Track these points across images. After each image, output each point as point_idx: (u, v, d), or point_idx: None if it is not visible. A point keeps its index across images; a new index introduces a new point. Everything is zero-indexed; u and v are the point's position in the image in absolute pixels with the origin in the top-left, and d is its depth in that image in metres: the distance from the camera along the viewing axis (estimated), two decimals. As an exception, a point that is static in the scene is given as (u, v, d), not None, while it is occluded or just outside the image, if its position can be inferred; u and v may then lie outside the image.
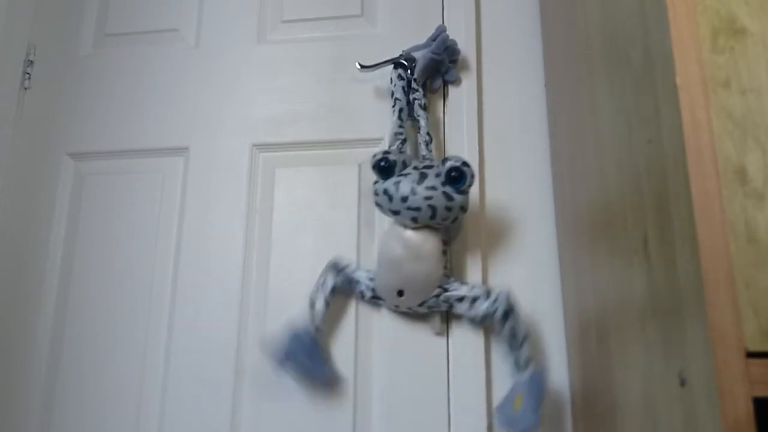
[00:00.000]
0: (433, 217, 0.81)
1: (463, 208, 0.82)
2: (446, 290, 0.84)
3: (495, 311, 0.81)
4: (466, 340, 0.88)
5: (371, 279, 0.88)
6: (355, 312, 0.92)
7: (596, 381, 0.73)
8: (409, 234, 0.83)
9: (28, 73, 1.12)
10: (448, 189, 0.81)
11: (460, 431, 0.85)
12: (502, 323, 0.81)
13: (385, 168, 0.83)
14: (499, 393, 0.87)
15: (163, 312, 0.97)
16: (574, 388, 0.84)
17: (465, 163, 0.80)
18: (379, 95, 1.02)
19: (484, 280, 0.91)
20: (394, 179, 0.82)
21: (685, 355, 0.46)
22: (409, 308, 0.87)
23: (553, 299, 0.90)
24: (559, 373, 0.87)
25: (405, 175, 0.82)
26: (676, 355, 0.48)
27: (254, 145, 1.03)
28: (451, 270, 0.89)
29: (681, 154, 0.46)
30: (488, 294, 0.83)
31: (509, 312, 0.81)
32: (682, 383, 0.47)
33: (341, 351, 0.91)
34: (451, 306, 0.85)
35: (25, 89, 1.11)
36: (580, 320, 0.80)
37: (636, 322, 0.58)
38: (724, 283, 0.43)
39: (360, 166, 0.99)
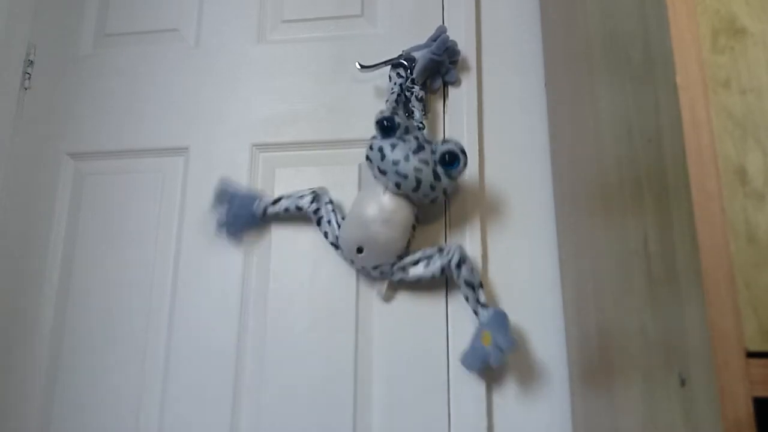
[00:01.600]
0: (416, 189, 0.83)
1: (446, 192, 0.85)
2: (401, 259, 0.87)
3: (449, 262, 0.85)
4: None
5: (339, 226, 0.91)
6: (355, 311, 0.92)
7: (597, 381, 0.73)
8: (387, 198, 0.85)
9: (28, 73, 1.12)
10: (440, 169, 0.82)
11: (460, 431, 0.85)
12: (458, 273, 0.85)
13: (387, 127, 0.84)
14: (500, 394, 0.87)
15: (163, 312, 0.97)
16: (574, 387, 0.84)
17: (462, 150, 0.82)
18: (379, 95, 1.02)
19: (485, 276, 0.91)
20: (392, 140, 0.84)
21: (686, 356, 0.46)
22: (363, 267, 0.89)
23: (552, 298, 0.90)
24: (558, 366, 0.87)
25: (404, 140, 0.84)
26: (677, 356, 0.48)
27: (254, 145, 1.03)
28: (412, 249, 0.90)
29: (681, 153, 0.46)
30: (441, 250, 0.86)
31: (462, 260, 0.85)
32: (682, 383, 0.47)
33: (341, 349, 0.91)
34: (405, 271, 0.87)
35: (25, 89, 1.11)
36: (580, 319, 0.80)
37: (636, 322, 0.58)
38: (724, 283, 0.43)
39: (360, 166, 0.99)
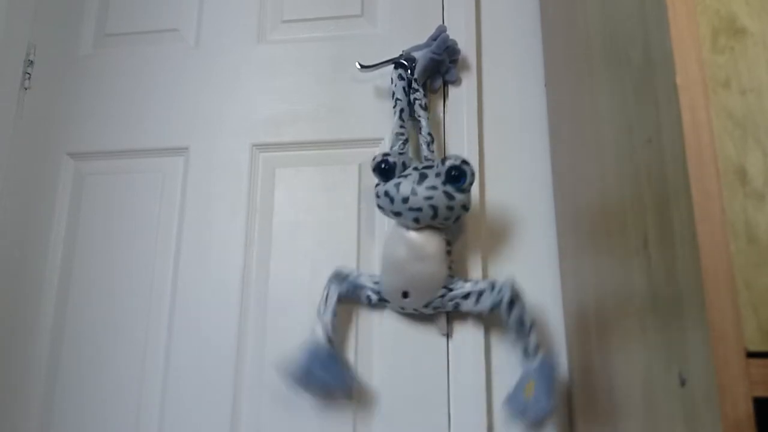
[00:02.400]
0: (434, 217, 0.81)
1: (465, 207, 0.82)
2: (451, 290, 0.84)
3: (501, 300, 0.82)
4: (466, 339, 0.88)
5: (376, 282, 0.88)
6: (356, 316, 0.92)
7: (596, 381, 0.73)
8: (412, 235, 0.83)
9: (28, 73, 1.12)
10: (449, 188, 0.81)
11: (460, 431, 0.85)
12: (509, 312, 0.82)
13: (385, 170, 0.83)
14: (500, 392, 0.87)
15: (163, 312, 0.97)
16: (575, 388, 0.84)
17: (465, 162, 0.80)
18: (379, 95, 1.02)
19: (485, 278, 0.91)
20: (394, 181, 0.83)
21: (685, 356, 0.46)
22: (415, 309, 0.87)
23: (553, 299, 0.90)
24: (559, 371, 0.87)
25: (405, 176, 0.83)
26: (676, 355, 0.48)
27: (254, 145, 1.03)
28: (454, 270, 0.89)
29: (681, 154, 0.46)
30: (492, 286, 0.83)
31: (515, 299, 0.82)
32: (682, 383, 0.47)
33: (341, 352, 0.91)
34: (457, 305, 0.85)
35: (25, 89, 1.11)
36: (580, 320, 0.80)
37: (636, 322, 0.58)
38: (724, 283, 0.43)
39: (360, 166, 0.99)
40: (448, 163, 0.80)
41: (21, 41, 1.12)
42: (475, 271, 0.91)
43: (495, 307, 0.83)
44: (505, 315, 0.82)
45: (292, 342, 0.92)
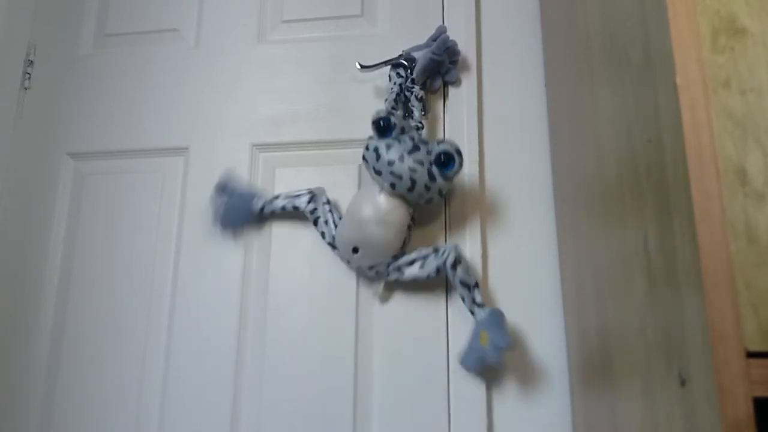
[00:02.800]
0: (411, 189, 0.83)
1: (441, 192, 0.84)
2: (396, 259, 0.87)
3: (445, 262, 0.84)
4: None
5: (336, 227, 0.91)
6: (355, 311, 0.92)
7: (597, 382, 0.73)
8: (382, 198, 0.85)
9: (28, 73, 1.12)
10: (435, 169, 0.82)
11: (460, 431, 0.85)
12: (453, 273, 0.84)
13: (382, 127, 0.85)
14: (500, 391, 0.87)
15: (163, 312, 0.97)
16: (574, 387, 0.84)
17: (458, 151, 0.82)
18: (379, 95, 1.02)
19: (485, 276, 0.91)
20: (388, 140, 0.84)
21: (686, 356, 0.46)
22: (359, 267, 0.89)
23: (553, 298, 0.90)
24: (559, 369, 0.87)
25: (399, 140, 0.84)
26: (677, 356, 0.48)
27: (254, 145, 1.03)
28: (409, 247, 0.90)
29: (681, 154, 0.46)
30: (436, 251, 0.86)
31: (457, 261, 0.85)
32: (682, 383, 0.47)
33: (341, 348, 0.91)
34: (401, 273, 0.87)
35: (25, 89, 1.11)
36: (581, 319, 0.80)
37: (636, 322, 0.58)
38: (724, 283, 0.43)
39: (360, 166, 0.99)
40: (441, 146, 0.82)
41: (21, 41, 1.12)
42: (474, 270, 0.91)
43: (440, 269, 0.85)
44: (450, 276, 0.85)
45: (292, 342, 0.92)
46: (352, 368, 0.90)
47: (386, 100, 0.95)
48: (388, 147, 0.83)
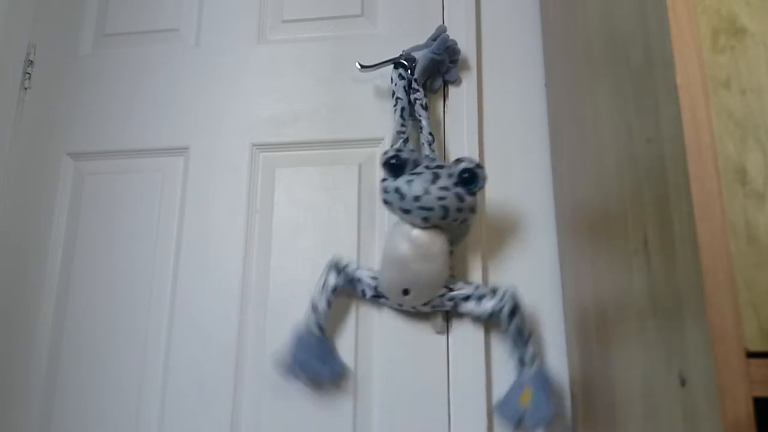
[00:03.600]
0: (444, 217, 0.81)
1: (473, 209, 0.83)
2: (451, 290, 0.84)
3: (502, 309, 0.82)
4: (466, 339, 0.88)
5: (373, 278, 0.88)
6: (355, 311, 0.92)
7: (597, 381, 0.73)
8: (417, 233, 0.83)
9: (28, 73, 1.12)
10: (460, 190, 0.81)
11: (460, 431, 0.85)
12: (509, 321, 0.82)
13: (395, 165, 0.83)
14: (500, 392, 0.87)
15: (163, 312, 0.97)
16: (575, 388, 0.84)
17: (479, 165, 0.81)
18: (379, 95, 1.02)
19: (485, 279, 0.91)
20: (406, 177, 0.82)
21: (686, 355, 0.46)
22: (414, 307, 0.87)
23: (553, 299, 0.90)
24: (559, 372, 0.87)
25: (417, 173, 0.82)
26: (677, 355, 0.48)
27: (254, 145, 1.03)
28: (455, 270, 0.89)
29: (681, 154, 0.46)
30: (494, 292, 0.83)
31: (515, 309, 0.82)
32: (683, 383, 0.47)
33: (341, 350, 0.91)
34: (456, 305, 0.85)
35: (25, 89, 1.11)
36: (581, 320, 0.80)
37: (636, 322, 0.58)
38: (724, 283, 0.43)
39: (360, 166, 0.99)
40: (461, 166, 0.81)
41: (21, 41, 1.12)
42: (474, 271, 0.91)
43: (494, 313, 0.83)
44: (504, 323, 0.83)
45: (289, 337, 0.92)
46: (352, 368, 0.90)
47: (393, 107, 0.93)
48: (409, 183, 0.81)
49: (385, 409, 0.88)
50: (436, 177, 0.81)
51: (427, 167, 0.83)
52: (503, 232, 0.95)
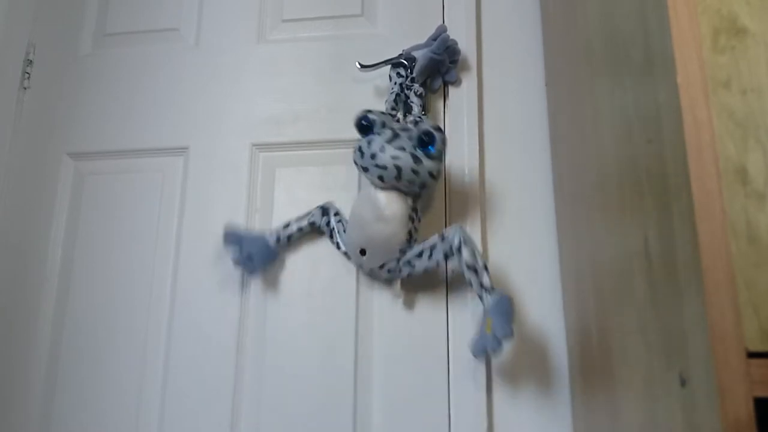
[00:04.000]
0: (398, 177, 0.82)
1: (432, 174, 0.83)
2: (405, 253, 0.86)
3: (451, 246, 0.82)
4: (466, 339, 0.88)
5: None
6: (355, 311, 0.92)
7: (597, 382, 0.73)
8: (378, 194, 0.85)
9: (27, 73, 1.12)
10: (418, 152, 0.81)
11: (460, 431, 0.85)
12: (459, 255, 0.81)
13: (364, 126, 0.85)
14: (501, 391, 0.87)
15: (163, 312, 0.97)
16: (575, 389, 0.84)
17: (438, 128, 0.81)
18: (379, 95, 1.01)
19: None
20: (369, 137, 0.84)
21: (686, 356, 0.46)
22: (371, 269, 0.88)
23: (553, 300, 0.90)
24: (559, 371, 0.87)
25: (379, 133, 0.84)
26: (677, 356, 0.48)
27: (254, 145, 1.03)
28: (417, 238, 0.88)
29: (682, 154, 0.46)
30: (443, 237, 0.83)
31: (462, 243, 0.81)
32: (683, 383, 0.47)
33: (342, 350, 0.91)
34: (412, 267, 0.85)
35: (25, 89, 1.11)
36: (581, 321, 0.80)
37: (637, 322, 0.58)
38: (724, 283, 0.43)
39: (360, 165, 0.99)
40: (420, 127, 0.82)
41: (21, 41, 1.12)
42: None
43: (447, 255, 0.83)
44: (457, 259, 0.82)
45: (291, 342, 0.92)
46: (352, 368, 0.90)
47: (386, 101, 0.95)
48: (369, 142, 0.83)
49: (385, 409, 0.88)
50: (395, 136, 0.82)
51: (391, 128, 0.84)
52: (503, 233, 0.94)
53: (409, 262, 0.86)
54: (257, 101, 1.05)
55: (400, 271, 0.87)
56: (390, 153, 0.81)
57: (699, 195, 0.44)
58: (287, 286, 0.95)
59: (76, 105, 1.10)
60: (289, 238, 0.94)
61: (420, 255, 0.85)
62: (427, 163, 0.82)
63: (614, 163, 0.64)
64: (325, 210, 0.94)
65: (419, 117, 0.92)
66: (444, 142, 0.82)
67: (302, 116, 1.03)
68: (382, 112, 0.87)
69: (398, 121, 0.92)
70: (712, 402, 0.42)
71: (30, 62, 1.12)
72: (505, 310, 0.78)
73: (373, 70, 0.99)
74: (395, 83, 0.95)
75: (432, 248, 0.84)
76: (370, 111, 0.85)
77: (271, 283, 0.96)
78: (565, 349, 0.88)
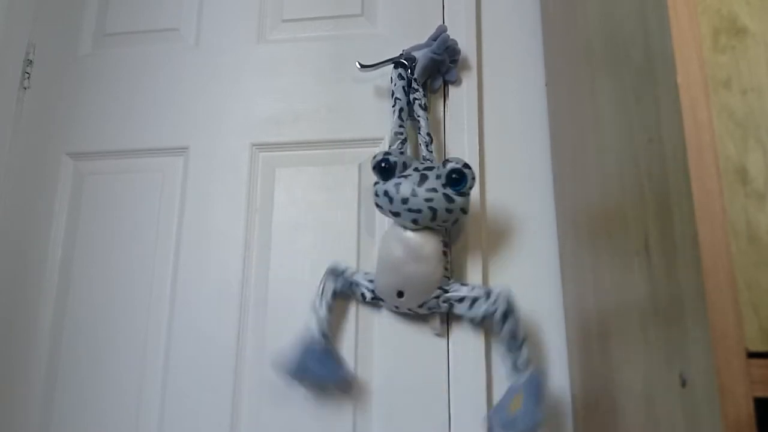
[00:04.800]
0: (433, 218, 0.81)
1: (464, 210, 0.82)
2: (446, 291, 0.84)
3: (495, 311, 0.81)
4: (466, 340, 0.88)
5: (370, 281, 0.88)
6: (355, 313, 0.92)
7: (597, 382, 0.73)
8: (410, 235, 0.83)
9: (27, 73, 1.12)
10: (449, 191, 0.80)
11: (460, 431, 0.85)
12: (502, 324, 0.81)
13: (385, 169, 0.83)
14: (500, 393, 0.87)
15: (163, 312, 0.97)
16: (575, 390, 0.84)
17: (466, 165, 0.80)
18: (379, 95, 1.01)
19: (485, 281, 0.91)
20: (394, 180, 0.82)
21: (686, 356, 0.46)
22: (409, 309, 0.87)
23: (553, 300, 0.90)
24: (560, 374, 0.87)
25: (406, 176, 0.82)
26: (677, 356, 0.48)
27: (254, 145, 1.03)
28: (452, 271, 0.89)
29: (682, 154, 0.46)
30: (488, 294, 0.82)
31: (509, 313, 0.81)
32: (683, 383, 0.47)
33: (342, 352, 0.91)
34: (451, 306, 0.85)
35: (25, 89, 1.11)
36: (581, 321, 0.80)
37: (637, 322, 0.58)
38: (725, 283, 0.43)
39: (360, 166, 0.99)
40: (449, 166, 0.80)
41: (21, 41, 1.12)
42: (474, 273, 0.91)
43: (487, 316, 0.82)
44: (498, 326, 0.82)
45: (292, 342, 0.92)
46: (352, 368, 0.90)
47: (393, 106, 0.93)
48: (397, 186, 0.81)
49: (385, 411, 0.88)
50: (423, 179, 0.81)
51: (415, 169, 0.83)
52: (503, 233, 0.94)
53: (448, 301, 0.84)
54: (257, 101, 1.05)
55: (439, 307, 0.85)
56: (423, 196, 0.80)
57: (699, 195, 0.44)
58: (287, 286, 0.95)
59: (76, 105, 1.10)
60: (328, 321, 0.88)
61: (461, 301, 0.84)
62: (459, 201, 0.81)
63: (614, 163, 0.64)
64: (335, 273, 0.89)
65: (428, 134, 0.90)
66: (474, 178, 0.81)
67: (302, 116, 1.03)
68: (400, 152, 0.85)
69: (406, 140, 0.90)
70: (713, 402, 0.42)
71: (30, 62, 1.12)
72: (537, 393, 0.76)
73: (373, 70, 0.99)
74: (395, 85, 0.95)
75: (474, 300, 0.83)
76: (388, 153, 0.83)
77: (271, 284, 0.96)
78: (566, 350, 0.88)
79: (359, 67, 0.99)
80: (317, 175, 1.00)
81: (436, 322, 0.88)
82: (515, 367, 0.81)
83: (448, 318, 0.90)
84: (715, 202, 0.44)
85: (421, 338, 0.90)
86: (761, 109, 0.46)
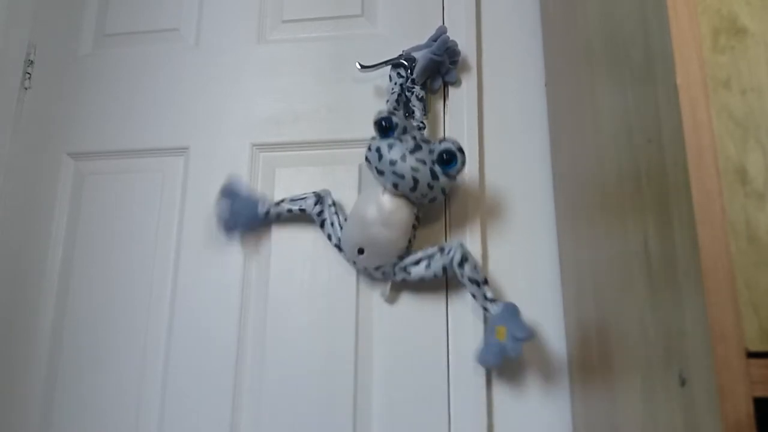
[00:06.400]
0: (414, 189, 0.82)
1: (444, 191, 0.84)
2: (402, 259, 0.86)
3: (451, 260, 0.84)
4: (466, 339, 0.88)
5: (342, 228, 0.90)
6: (355, 311, 0.92)
7: (597, 382, 0.73)
8: (386, 198, 0.85)
9: (28, 73, 1.12)
10: (437, 168, 0.82)
11: (460, 431, 0.85)
12: (461, 270, 0.83)
13: (384, 127, 0.84)
14: (501, 392, 0.87)
15: (163, 312, 0.97)
16: (575, 390, 0.84)
17: (460, 149, 0.82)
18: (379, 95, 1.01)
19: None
20: (390, 140, 0.83)
21: (686, 355, 0.46)
22: (366, 268, 0.88)
23: (553, 299, 0.90)
24: (559, 371, 0.87)
25: (401, 140, 0.83)
26: (677, 356, 0.48)
27: (254, 145, 1.03)
28: (414, 246, 0.89)
29: (681, 154, 0.46)
30: (442, 250, 0.85)
31: (464, 259, 0.84)
32: (683, 383, 0.47)
33: (341, 350, 0.91)
34: (407, 273, 0.86)
35: (25, 89, 1.11)
36: (580, 320, 0.80)
37: (636, 321, 0.58)
38: (724, 283, 0.43)
39: (360, 166, 0.99)
40: (443, 145, 0.82)
41: (21, 41, 1.12)
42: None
43: (447, 268, 0.85)
44: (458, 274, 0.84)
45: (292, 342, 0.92)
46: (352, 368, 0.90)
47: (387, 101, 0.95)
48: (390, 147, 0.83)
49: (385, 408, 0.88)
50: (417, 148, 0.82)
51: (413, 137, 0.84)
52: (503, 233, 0.94)
53: (405, 268, 0.87)
54: (257, 101, 1.05)
55: (394, 274, 0.87)
56: (410, 164, 0.81)
57: (699, 195, 0.44)
58: (287, 286, 0.95)
59: (77, 105, 1.10)
60: (278, 215, 0.95)
61: (417, 263, 0.86)
62: (443, 180, 0.82)
63: (614, 163, 0.64)
64: (319, 198, 0.93)
65: (422, 122, 0.92)
66: (464, 164, 0.82)
67: (302, 116, 1.03)
68: (406, 117, 0.87)
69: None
70: (712, 402, 0.42)
71: (30, 62, 1.13)
72: (515, 314, 0.81)
73: (373, 70, 0.99)
74: (395, 83, 0.95)
75: (430, 258, 0.86)
76: (393, 113, 0.84)
77: (272, 284, 0.96)
78: (565, 350, 0.88)
79: (359, 67, 0.99)
80: (317, 175, 1.00)
81: (387, 288, 0.90)
82: (485, 304, 0.83)
83: (448, 317, 0.90)
84: (715, 202, 0.44)
85: (421, 336, 0.90)
86: (761, 109, 0.46)
